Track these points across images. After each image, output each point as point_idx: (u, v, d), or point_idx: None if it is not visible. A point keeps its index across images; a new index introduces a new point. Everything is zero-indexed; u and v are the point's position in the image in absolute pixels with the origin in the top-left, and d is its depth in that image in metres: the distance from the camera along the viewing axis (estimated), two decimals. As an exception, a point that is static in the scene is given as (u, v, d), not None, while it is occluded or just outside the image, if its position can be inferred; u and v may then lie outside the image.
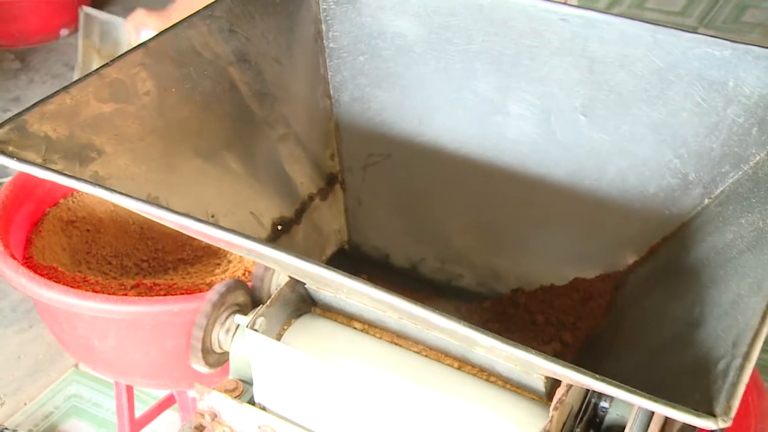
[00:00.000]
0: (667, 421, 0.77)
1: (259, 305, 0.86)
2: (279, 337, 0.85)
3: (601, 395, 0.80)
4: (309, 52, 1.04)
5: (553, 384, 0.77)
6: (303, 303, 0.88)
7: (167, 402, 1.72)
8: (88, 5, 2.70)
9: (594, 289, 0.96)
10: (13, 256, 1.34)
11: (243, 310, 0.90)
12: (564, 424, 0.77)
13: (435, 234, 1.06)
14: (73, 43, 2.86)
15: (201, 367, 0.88)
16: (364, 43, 1.03)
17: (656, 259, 0.93)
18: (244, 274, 1.40)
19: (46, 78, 3.09)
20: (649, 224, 0.94)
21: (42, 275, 1.32)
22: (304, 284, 0.86)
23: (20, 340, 2.07)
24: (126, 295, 1.32)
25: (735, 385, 0.58)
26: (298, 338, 0.85)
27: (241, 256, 1.45)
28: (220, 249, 1.50)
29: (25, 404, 1.94)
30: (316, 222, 1.05)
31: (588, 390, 0.80)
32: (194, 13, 0.93)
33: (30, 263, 1.39)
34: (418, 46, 1.01)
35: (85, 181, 0.71)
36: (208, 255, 1.50)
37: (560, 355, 0.92)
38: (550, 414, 0.73)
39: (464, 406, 0.78)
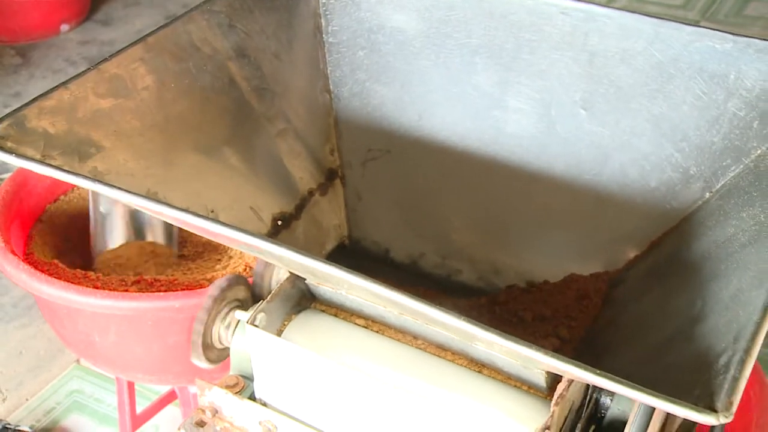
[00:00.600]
0: (668, 416, 0.77)
1: (259, 301, 0.86)
2: (279, 333, 0.85)
3: (602, 390, 0.80)
4: (308, 47, 1.03)
5: (554, 379, 0.77)
6: (303, 298, 0.88)
7: (168, 397, 1.72)
8: (87, 3, 2.69)
9: (589, 286, 0.96)
10: (13, 253, 1.34)
11: (244, 305, 0.90)
12: (565, 420, 0.77)
13: (435, 229, 1.06)
14: (74, 38, 2.85)
15: (202, 363, 0.88)
16: (363, 38, 1.03)
17: (657, 254, 0.93)
18: (244, 270, 1.40)
19: (46, 73, 3.08)
20: (650, 218, 0.94)
21: (43, 271, 1.32)
22: (305, 280, 0.86)
23: (21, 335, 2.07)
24: (127, 291, 1.32)
25: (736, 380, 0.57)
26: (299, 334, 0.85)
27: (241, 252, 1.45)
28: (220, 245, 1.50)
29: (26, 400, 1.94)
30: (316, 217, 1.05)
31: (589, 385, 0.80)
32: (193, 8, 0.93)
33: (31, 259, 1.39)
34: (418, 41, 1.01)
35: (85, 177, 0.71)
36: (209, 251, 1.50)
37: (559, 350, 0.92)
38: (552, 409, 0.73)
39: (465, 402, 0.78)
